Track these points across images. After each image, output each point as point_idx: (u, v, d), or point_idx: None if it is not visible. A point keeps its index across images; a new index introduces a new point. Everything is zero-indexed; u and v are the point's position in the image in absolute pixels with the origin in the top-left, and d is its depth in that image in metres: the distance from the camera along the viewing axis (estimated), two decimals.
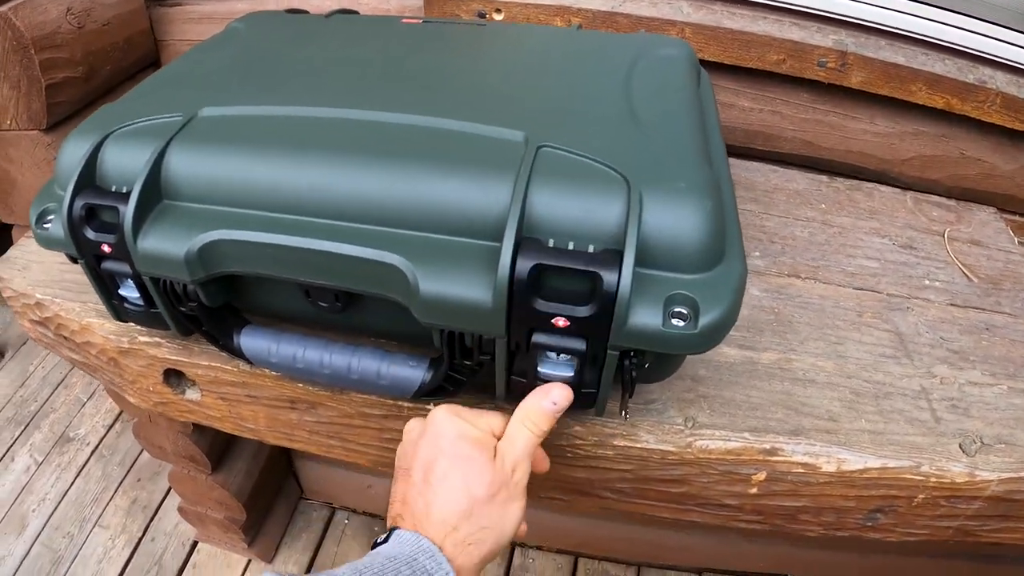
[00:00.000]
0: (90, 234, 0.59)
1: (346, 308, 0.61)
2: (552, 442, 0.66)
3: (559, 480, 0.70)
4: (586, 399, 0.57)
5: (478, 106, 0.62)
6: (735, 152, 1.03)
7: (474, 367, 0.56)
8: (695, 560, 1.57)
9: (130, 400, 0.88)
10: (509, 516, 0.52)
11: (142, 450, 1.76)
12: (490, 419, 0.54)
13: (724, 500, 0.71)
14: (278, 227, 0.55)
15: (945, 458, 0.68)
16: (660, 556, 1.57)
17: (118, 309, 0.68)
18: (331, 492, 1.65)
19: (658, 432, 0.66)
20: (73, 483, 1.71)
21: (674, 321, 0.50)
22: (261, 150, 0.59)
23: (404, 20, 0.82)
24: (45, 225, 0.62)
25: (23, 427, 1.82)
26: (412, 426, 0.56)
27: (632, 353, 0.53)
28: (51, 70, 0.98)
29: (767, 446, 0.67)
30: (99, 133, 0.61)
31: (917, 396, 0.74)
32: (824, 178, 1.00)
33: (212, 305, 0.63)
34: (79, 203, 0.58)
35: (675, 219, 0.52)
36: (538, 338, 0.52)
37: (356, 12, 0.90)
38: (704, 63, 0.92)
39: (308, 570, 1.57)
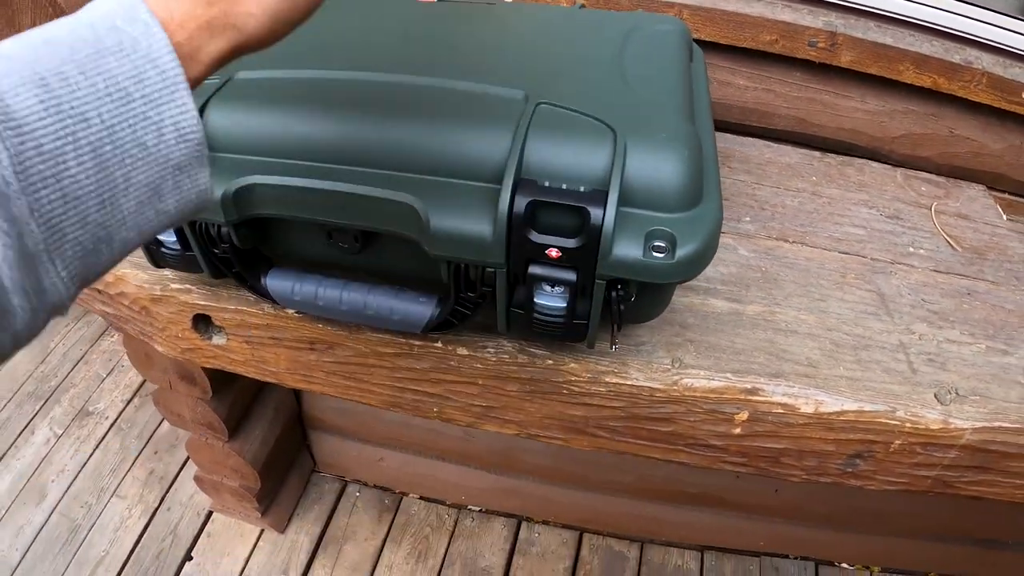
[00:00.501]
0: None
1: (363, 249, 0.69)
2: (550, 379, 0.74)
3: (556, 417, 0.78)
4: (578, 330, 0.65)
5: (484, 70, 0.70)
6: (731, 128, 1.11)
7: (477, 299, 0.65)
8: (698, 537, 1.65)
9: (159, 349, 0.96)
10: None
11: (160, 423, 1.86)
12: None
13: (710, 440, 0.78)
14: (306, 173, 0.63)
15: (920, 405, 0.75)
16: (663, 532, 1.64)
17: (154, 254, 0.75)
18: (343, 465, 1.73)
19: (647, 371, 0.74)
20: (92, 455, 1.81)
21: (654, 253, 0.58)
22: (291, 107, 0.66)
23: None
24: None
25: (43, 401, 1.92)
26: None
27: (619, 285, 0.61)
28: None
29: (748, 386, 0.74)
30: None
31: (895, 349, 0.81)
32: (816, 154, 1.08)
33: (243, 247, 0.71)
34: None
35: (655, 164, 0.60)
36: (534, 269, 0.60)
37: None
38: (700, 43, 1.00)
39: (320, 540, 1.66)
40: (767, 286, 0.86)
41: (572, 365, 0.73)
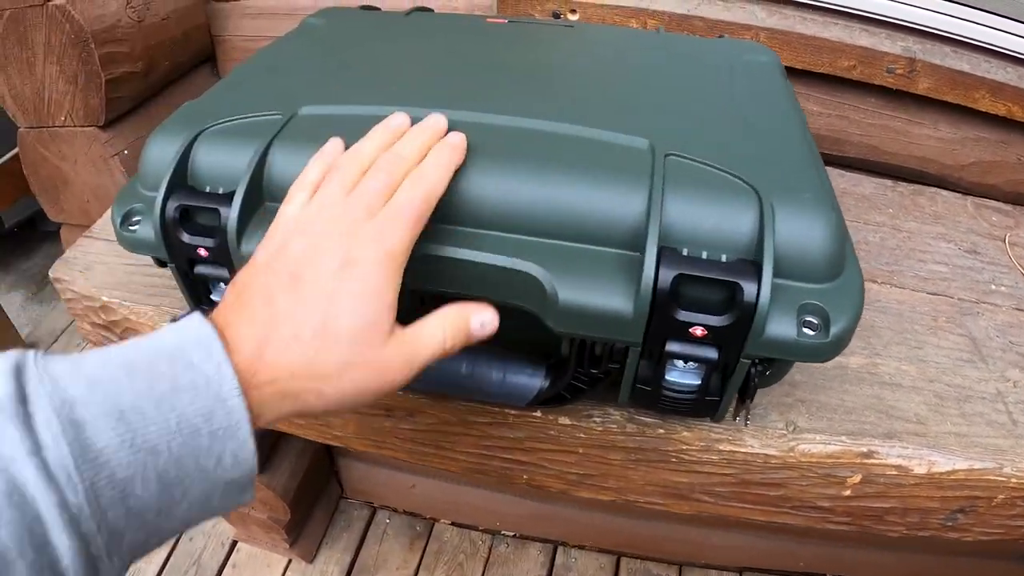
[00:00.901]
0: (185, 237, 0.57)
1: None
2: (659, 447, 0.66)
3: (660, 484, 0.70)
4: (708, 407, 0.58)
5: (592, 110, 0.62)
6: None
7: (600, 375, 0.57)
8: (737, 559, 1.59)
9: None
10: (358, 384, 0.43)
11: None
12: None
13: (818, 502, 0.72)
14: None
15: None
16: (702, 555, 1.58)
17: (207, 315, 0.68)
18: (373, 491, 1.65)
19: (762, 437, 0.67)
20: None
21: (805, 330, 0.51)
22: None
23: (489, 20, 0.82)
24: (131, 227, 0.60)
25: None
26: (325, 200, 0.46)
27: (757, 361, 0.54)
28: (111, 65, 0.96)
29: (864, 449, 0.68)
30: (189, 130, 0.60)
31: (994, 399, 0.75)
32: (888, 182, 1.01)
33: None
34: (173, 204, 0.56)
35: (804, 229, 0.52)
36: (672, 347, 0.52)
37: (431, 10, 0.90)
38: None
39: (350, 570, 1.57)
40: (865, 334, 0.79)
41: (685, 434, 0.66)
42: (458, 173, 0.54)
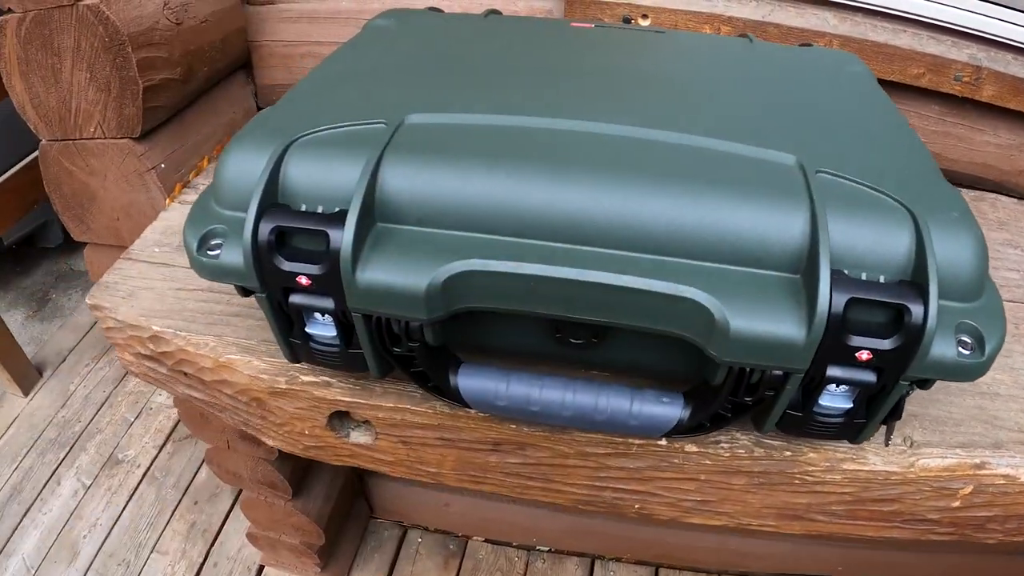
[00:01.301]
0: (282, 264, 0.53)
1: (597, 345, 0.60)
2: (784, 470, 0.66)
3: (777, 507, 0.70)
4: (852, 430, 0.58)
5: (728, 123, 0.61)
6: None
7: (749, 403, 0.56)
8: (775, 566, 1.60)
9: (268, 443, 0.84)
10: None
11: (197, 471, 1.72)
12: None
13: (928, 515, 0.72)
14: (540, 256, 0.52)
15: None
16: (739, 564, 1.59)
17: (296, 349, 0.62)
18: (403, 510, 1.63)
19: (884, 454, 0.67)
20: (125, 507, 1.66)
21: (961, 350, 0.51)
22: (506, 166, 0.54)
23: (573, 24, 0.81)
24: (212, 252, 0.55)
25: (67, 449, 1.77)
26: None
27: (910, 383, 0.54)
28: (149, 71, 0.89)
29: (977, 461, 0.68)
30: (275, 142, 0.55)
31: None
32: None
33: (435, 344, 0.59)
34: (267, 227, 0.52)
35: (956, 249, 0.53)
36: (833, 371, 0.52)
37: (500, 12, 0.89)
38: None
39: None
40: None
41: (811, 455, 0.66)
42: (600, 190, 0.52)
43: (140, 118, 0.90)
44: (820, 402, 0.56)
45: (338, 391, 0.71)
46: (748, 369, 0.53)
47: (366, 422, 0.74)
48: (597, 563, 1.59)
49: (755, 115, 0.64)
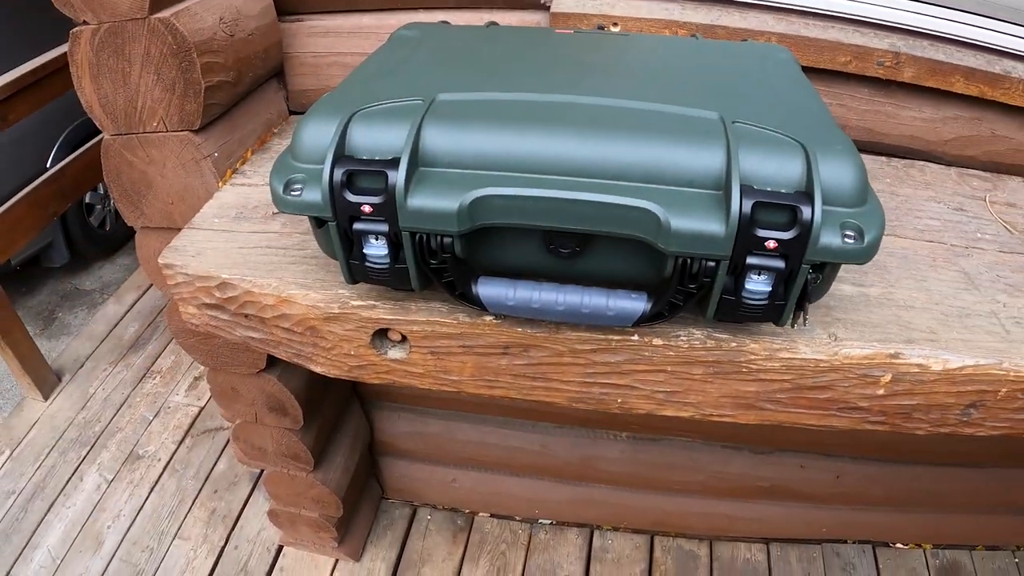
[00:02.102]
0: (351, 197, 0.78)
1: (579, 255, 0.86)
2: (732, 359, 0.91)
3: (731, 395, 0.95)
4: (777, 311, 0.83)
5: (674, 94, 0.88)
6: None
7: (695, 290, 0.82)
8: (764, 531, 1.83)
9: (316, 370, 1.08)
10: None
11: (216, 462, 1.95)
12: None
13: (858, 403, 0.97)
14: (542, 184, 0.78)
15: (1020, 357, 0.94)
16: (732, 528, 1.82)
17: (354, 269, 0.87)
18: (413, 489, 1.86)
19: (812, 345, 0.92)
20: (147, 498, 1.89)
21: (847, 240, 0.77)
22: (510, 123, 0.80)
23: (557, 31, 1.09)
24: (294, 193, 0.81)
25: (89, 447, 1.99)
26: None
27: (812, 268, 0.80)
28: (209, 74, 1.13)
29: (892, 351, 0.92)
30: (341, 114, 0.81)
31: (989, 316, 1.01)
32: (883, 159, 1.30)
33: (462, 257, 0.83)
34: (340, 170, 0.77)
35: (840, 170, 0.78)
36: (751, 260, 0.78)
37: (498, 23, 1.17)
38: None
39: (396, 565, 1.77)
40: (880, 272, 1.06)
41: (752, 345, 0.91)
42: (586, 138, 0.80)
43: (200, 113, 1.15)
44: (746, 287, 0.81)
45: (381, 311, 0.95)
46: (688, 261, 0.79)
47: (402, 340, 0.98)
48: (596, 533, 1.82)
49: (693, 88, 0.91)
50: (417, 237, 0.82)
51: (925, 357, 0.94)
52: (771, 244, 0.76)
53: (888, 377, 0.94)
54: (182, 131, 1.18)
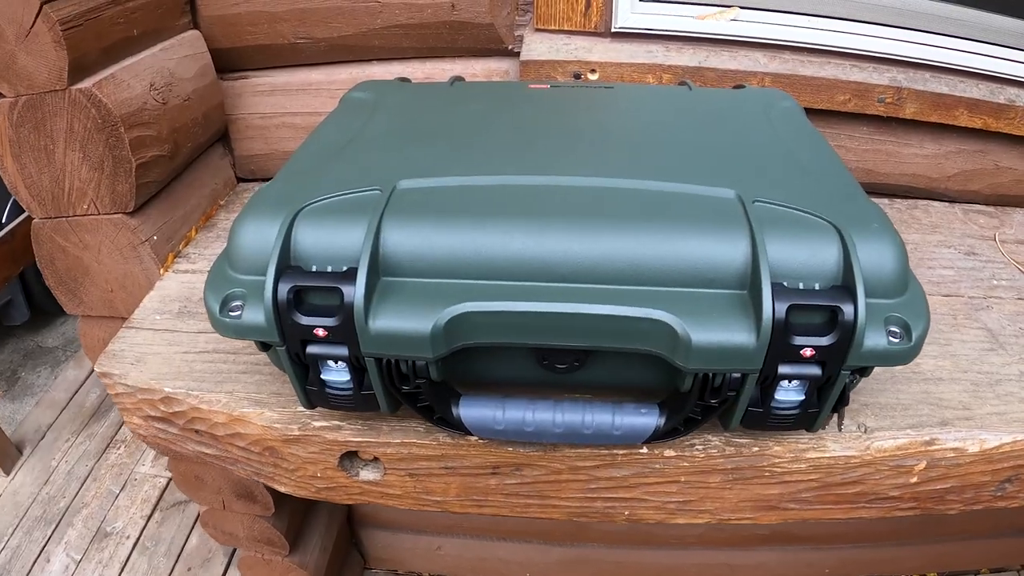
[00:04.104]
0: (300, 319, 0.62)
1: (580, 368, 0.71)
2: (754, 464, 0.77)
3: (752, 499, 0.81)
4: (809, 419, 0.69)
5: (677, 167, 0.73)
6: None
7: (715, 405, 0.67)
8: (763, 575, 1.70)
9: (281, 490, 0.92)
10: None
11: (187, 537, 1.77)
12: None
13: (889, 493, 0.84)
14: (525, 296, 0.63)
15: None
16: None
17: (311, 395, 0.71)
18: (397, 558, 1.70)
19: (841, 441, 0.78)
20: None
21: (892, 339, 0.63)
22: (488, 220, 0.65)
23: (531, 86, 0.94)
24: (233, 313, 0.64)
25: (54, 525, 1.80)
26: None
27: (852, 372, 0.66)
28: (140, 149, 0.97)
29: (927, 438, 0.80)
30: (283, 212, 0.65)
31: (1020, 379, 0.89)
32: (885, 200, 1.17)
33: (439, 380, 0.68)
34: (285, 287, 0.61)
35: (878, 254, 0.65)
36: (784, 369, 0.64)
37: (463, 79, 1.01)
38: None
39: None
40: None
41: (776, 448, 0.77)
42: (572, 232, 0.64)
43: (133, 194, 0.99)
44: (776, 397, 0.67)
45: (348, 432, 0.80)
46: (711, 375, 0.65)
47: (374, 460, 0.83)
48: None
49: (698, 156, 0.77)
50: (385, 361, 0.66)
51: (962, 440, 0.81)
52: (808, 352, 0.62)
53: (923, 465, 0.82)
54: (115, 214, 1.01)
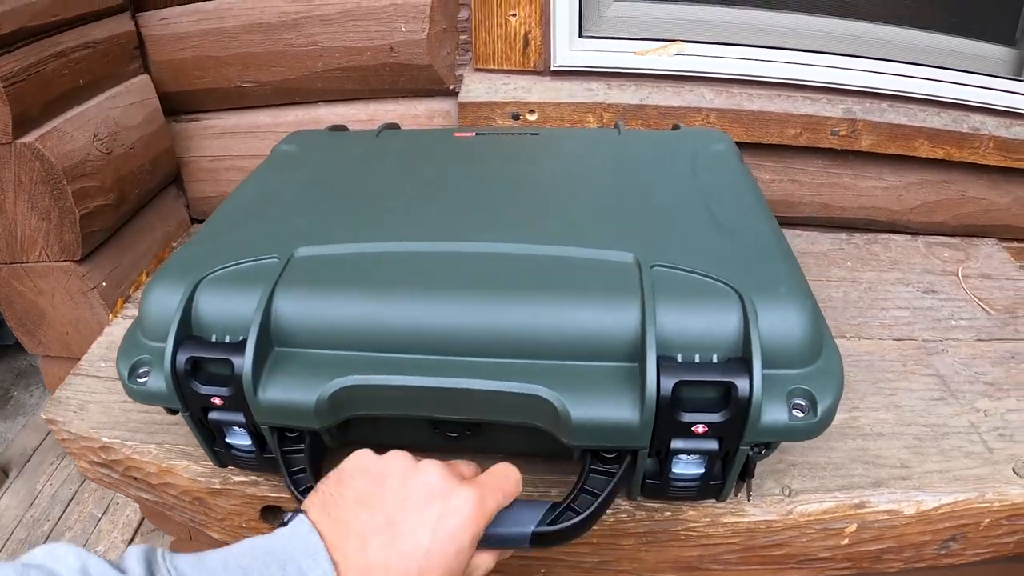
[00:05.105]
0: (198, 388, 0.61)
1: (472, 436, 0.67)
2: (668, 528, 0.73)
3: (672, 560, 0.76)
4: (712, 490, 0.64)
5: (575, 228, 0.69)
6: None
7: (612, 473, 0.63)
8: None
9: (214, 536, 0.90)
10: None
11: None
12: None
13: (819, 554, 0.78)
14: (411, 368, 0.59)
15: (1004, 483, 0.76)
16: None
17: (221, 456, 0.70)
18: None
19: (762, 505, 0.73)
20: None
21: (795, 413, 0.58)
22: (377, 292, 0.62)
23: (456, 135, 0.90)
24: (140, 379, 0.64)
25: None
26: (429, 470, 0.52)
27: (755, 445, 0.61)
28: (84, 200, 0.97)
29: (856, 501, 0.74)
30: (187, 280, 0.64)
31: (968, 431, 0.83)
32: (843, 235, 1.11)
33: (334, 447, 0.66)
34: (183, 357, 0.60)
35: (784, 322, 0.59)
36: (676, 443, 0.59)
37: (398, 125, 0.98)
38: None
39: None
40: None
41: (690, 513, 0.72)
42: (459, 303, 0.61)
43: (79, 243, 0.98)
44: (674, 470, 0.62)
45: (265, 488, 0.77)
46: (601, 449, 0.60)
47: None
48: None
49: (605, 214, 0.72)
50: (278, 432, 0.64)
51: (896, 502, 0.75)
52: (700, 429, 0.57)
53: (853, 527, 0.76)
54: (64, 261, 1.00)
